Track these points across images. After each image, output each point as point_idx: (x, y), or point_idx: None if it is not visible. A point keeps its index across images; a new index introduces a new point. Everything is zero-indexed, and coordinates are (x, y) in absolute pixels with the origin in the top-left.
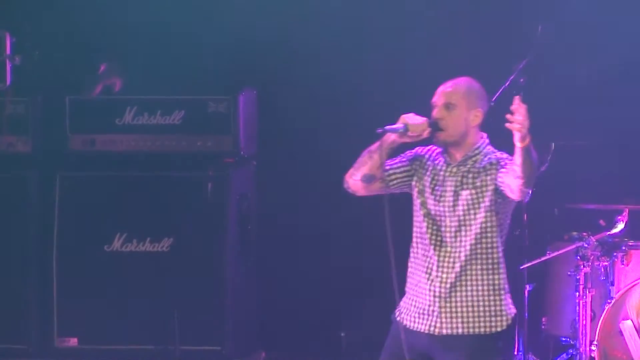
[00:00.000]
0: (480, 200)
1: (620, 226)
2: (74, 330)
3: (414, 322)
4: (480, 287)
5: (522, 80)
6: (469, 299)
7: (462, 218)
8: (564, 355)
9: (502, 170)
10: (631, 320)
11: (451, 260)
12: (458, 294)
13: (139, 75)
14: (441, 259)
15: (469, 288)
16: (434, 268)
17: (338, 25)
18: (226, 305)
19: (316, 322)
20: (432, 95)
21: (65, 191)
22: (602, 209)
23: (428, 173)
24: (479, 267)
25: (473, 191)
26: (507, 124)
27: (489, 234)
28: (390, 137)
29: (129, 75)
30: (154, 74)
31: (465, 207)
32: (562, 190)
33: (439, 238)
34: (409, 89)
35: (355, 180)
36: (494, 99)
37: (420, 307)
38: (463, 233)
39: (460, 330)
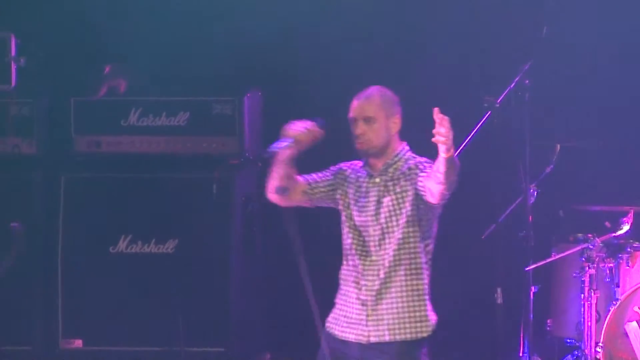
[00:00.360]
0: (402, 205)
1: (625, 228)
2: (78, 331)
3: (344, 332)
4: (404, 294)
5: (527, 81)
6: (394, 305)
7: (385, 226)
8: (569, 356)
9: (422, 174)
10: (636, 321)
11: (376, 268)
12: (384, 301)
13: (144, 77)
14: (367, 267)
15: (393, 295)
16: (361, 277)
17: (344, 27)
18: (231, 306)
19: (322, 323)
20: (349, 108)
21: (70, 193)
22: (608, 211)
23: (352, 186)
24: (402, 273)
25: (394, 196)
26: (433, 139)
27: (411, 240)
28: (285, 153)
29: (133, 76)
30: (159, 75)
31: (388, 215)
32: (567, 192)
33: (365, 248)
34: (416, 91)
35: (271, 193)
36: (499, 100)
37: (350, 316)
38: (387, 241)
39: (387, 338)
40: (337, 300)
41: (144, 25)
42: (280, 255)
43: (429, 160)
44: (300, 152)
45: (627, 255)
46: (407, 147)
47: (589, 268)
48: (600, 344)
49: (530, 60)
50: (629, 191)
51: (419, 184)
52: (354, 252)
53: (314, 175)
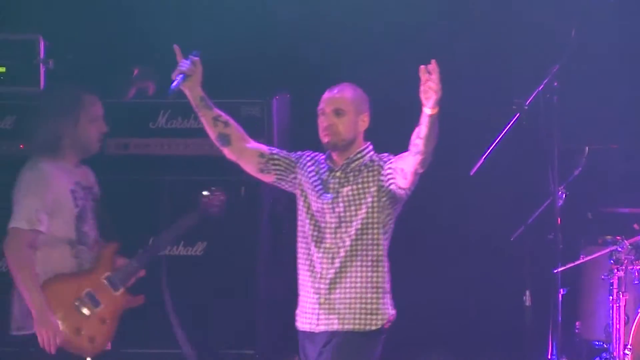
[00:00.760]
0: (362, 196)
1: None
2: None
3: (301, 322)
4: (359, 284)
5: (556, 83)
6: (347, 295)
7: (342, 214)
8: (598, 359)
9: (391, 161)
10: None
11: (330, 256)
12: (337, 290)
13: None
14: (321, 255)
15: (347, 285)
16: (316, 265)
17: (373, 28)
18: (259, 309)
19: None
20: (322, 103)
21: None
22: (636, 213)
23: (311, 175)
24: (358, 263)
25: (354, 187)
26: (422, 87)
27: (369, 231)
28: (187, 91)
29: (162, 78)
30: None
31: (346, 204)
32: (595, 195)
33: (320, 235)
34: (444, 94)
35: (221, 148)
36: (527, 102)
37: (306, 305)
38: (343, 229)
39: (335, 327)
40: (299, 293)
41: (172, 27)
42: None
43: (391, 155)
44: (201, 86)
45: None
46: (371, 147)
47: (618, 270)
48: (629, 346)
49: (558, 63)
50: None
51: (387, 170)
52: (309, 239)
53: (276, 149)
